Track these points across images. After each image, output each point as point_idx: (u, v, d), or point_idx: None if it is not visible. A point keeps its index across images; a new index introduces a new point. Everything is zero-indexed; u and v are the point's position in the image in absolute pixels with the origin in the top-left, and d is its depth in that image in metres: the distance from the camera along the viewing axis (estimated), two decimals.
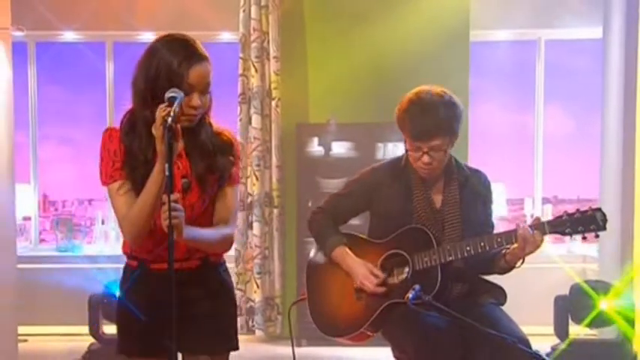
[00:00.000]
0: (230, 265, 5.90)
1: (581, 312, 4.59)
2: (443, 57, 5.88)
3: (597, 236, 2.78)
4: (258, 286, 5.90)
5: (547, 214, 6.40)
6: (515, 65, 6.68)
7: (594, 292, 4.55)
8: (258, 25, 5.87)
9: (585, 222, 2.71)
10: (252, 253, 5.92)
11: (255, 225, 5.90)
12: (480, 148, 6.23)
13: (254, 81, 5.89)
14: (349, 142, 5.78)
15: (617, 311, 4.51)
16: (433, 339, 2.67)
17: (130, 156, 2.32)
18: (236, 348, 2.55)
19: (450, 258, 2.81)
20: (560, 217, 2.76)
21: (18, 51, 6.30)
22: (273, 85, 5.88)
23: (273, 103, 5.89)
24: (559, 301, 4.77)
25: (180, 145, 2.19)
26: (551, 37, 6.36)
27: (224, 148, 2.40)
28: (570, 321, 4.70)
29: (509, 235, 2.76)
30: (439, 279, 2.80)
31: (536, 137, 6.39)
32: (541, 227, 2.74)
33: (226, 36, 6.26)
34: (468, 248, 2.80)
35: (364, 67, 5.87)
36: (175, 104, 2.13)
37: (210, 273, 2.48)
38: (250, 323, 5.94)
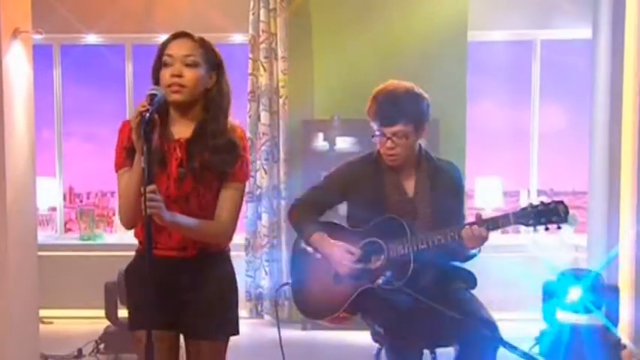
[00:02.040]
0: (240, 254, 6.06)
1: (565, 298, 4.58)
2: (442, 56, 5.89)
3: (559, 228, 2.76)
4: (266, 273, 5.95)
5: None
6: (511, 64, 6.66)
7: (576, 279, 4.55)
8: (266, 27, 5.91)
9: (548, 214, 2.71)
10: (261, 242, 5.98)
11: (264, 216, 5.96)
12: (478, 144, 6.24)
13: (263, 80, 5.93)
14: (352, 137, 5.78)
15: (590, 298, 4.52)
16: (403, 321, 2.70)
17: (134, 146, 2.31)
18: (235, 333, 2.54)
19: (423, 247, 2.84)
20: (525, 209, 2.77)
21: (44, 53, 6.42)
22: (280, 84, 5.92)
23: (281, 100, 5.93)
24: (546, 287, 4.77)
25: (155, 138, 2.20)
26: (546, 38, 6.34)
27: (227, 146, 2.38)
28: (557, 307, 4.70)
29: (479, 224, 2.78)
30: (412, 266, 2.83)
31: (531, 133, 6.37)
32: (484, 224, 2.76)
33: (237, 38, 6.30)
34: (439, 237, 2.82)
35: (367, 66, 5.87)
36: (155, 100, 2.16)
37: (209, 262, 2.45)
38: (259, 308, 6.01)
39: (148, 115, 2.11)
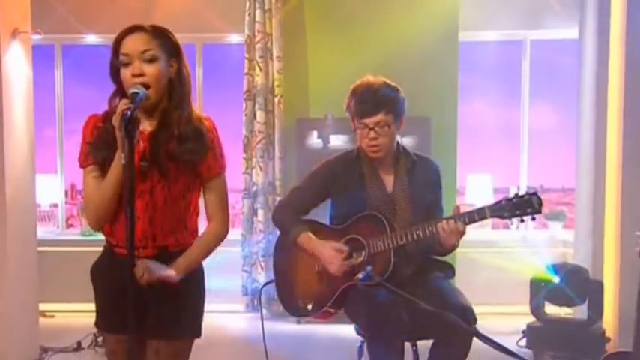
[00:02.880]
0: (236, 249, 6.06)
1: (551, 292, 4.60)
2: (434, 56, 5.88)
3: (534, 219, 2.79)
4: (262, 268, 5.97)
5: None
6: (502, 64, 6.65)
7: (562, 273, 4.56)
8: (262, 27, 5.91)
9: (522, 206, 2.72)
10: (257, 237, 6.00)
11: (260, 212, 5.97)
12: (469, 142, 6.25)
13: (258, 79, 5.93)
14: (346, 135, 5.74)
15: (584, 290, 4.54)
16: (384, 315, 2.71)
17: (99, 140, 2.25)
18: (196, 335, 2.39)
19: (402, 242, 2.85)
20: (500, 202, 2.77)
21: (45, 53, 6.44)
22: (275, 83, 5.93)
23: (276, 99, 5.94)
24: (534, 282, 4.78)
25: (137, 136, 2.12)
26: (535, 38, 6.34)
27: (194, 134, 2.26)
28: (545, 301, 4.72)
29: (458, 218, 2.79)
30: (392, 261, 2.84)
31: (521, 131, 6.37)
32: (460, 219, 2.77)
33: (233, 38, 6.30)
34: (418, 232, 2.83)
35: (360, 66, 5.71)
36: (137, 99, 2.09)
37: (170, 262, 2.27)
38: (255, 302, 6.03)
39: (129, 112, 2.03)
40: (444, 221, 2.78)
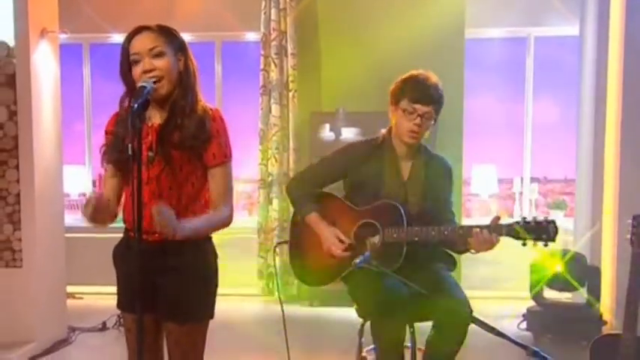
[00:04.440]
0: (253, 236, 6.09)
1: (552, 277, 4.58)
2: (441, 52, 5.82)
3: (546, 245, 2.64)
4: (277, 254, 5.97)
5: (534, 191, 6.37)
6: (506, 60, 6.60)
7: (562, 259, 4.54)
8: (277, 25, 5.92)
9: (538, 232, 2.63)
10: (272, 225, 6.02)
11: (275, 201, 5.99)
12: (475, 134, 6.21)
13: (273, 75, 5.94)
14: (357, 128, 5.78)
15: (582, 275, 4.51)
16: (389, 299, 2.69)
17: (110, 144, 2.30)
18: (207, 317, 2.38)
19: (416, 239, 2.82)
20: (518, 223, 2.68)
21: (74, 52, 6.50)
22: (290, 79, 5.94)
23: (290, 94, 5.95)
24: (533, 267, 4.76)
25: (144, 127, 2.13)
26: (539, 35, 6.28)
27: (198, 123, 2.26)
28: (544, 286, 4.70)
29: (470, 230, 2.73)
30: (404, 252, 2.82)
31: (525, 124, 6.33)
32: (497, 229, 2.67)
33: (250, 36, 6.32)
34: (432, 233, 2.79)
35: (370, 62, 5.85)
36: (145, 92, 2.09)
37: (179, 247, 2.25)
38: (270, 286, 6.06)
39: (135, 105, 2.03)
40: (478, 229, 2.70)
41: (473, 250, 2.78)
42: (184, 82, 2.28)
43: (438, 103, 2.91)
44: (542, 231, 2.63)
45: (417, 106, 2.88)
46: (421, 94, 2.88)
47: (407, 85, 2.94)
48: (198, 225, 2.25)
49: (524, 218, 2.69)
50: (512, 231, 2.66)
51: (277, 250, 3.81)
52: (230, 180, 2.37)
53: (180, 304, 2.31)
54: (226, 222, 2.35)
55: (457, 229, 2.80)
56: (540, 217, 2.68)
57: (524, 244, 2.67)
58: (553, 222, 2.65)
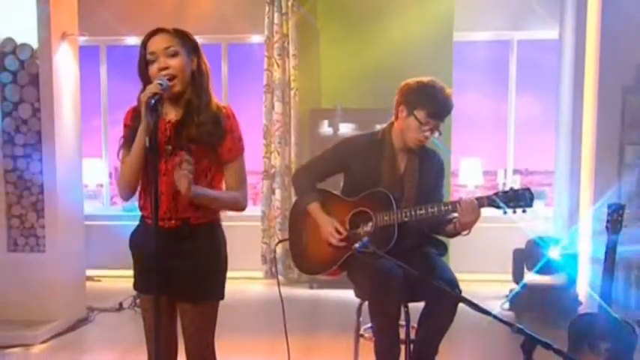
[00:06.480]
0: (257, 224, 6.10)
1: (533, 262, 4.61)
2: (432, 53, 5.84)
3: (524, 211, 2.68)
4: (278, 247, 6.00)
5: (516, 182, 6.39)
6: (492, 61, 6.62)
7: (543, 245, 4.57)
8: (279, 29, 5.93)
9: (516, 199, 2.66)
10: (275, 213, 6.05)
11: (277, 191, 6.02)
12: (462, 129, 6.22)
13: (276, 74, 5.95)
14: (353, 124, 5.80)
15: (561, 260, 4.54)
16: (385, 280, 2.70)
17: (128, 137, 2.27)
18: (218, 298, 2.38)
19: (406, 219, 2.81)
20: (496, 194, 2.71)
21: (92, 53, 6.49)
22: (292, 78, 5.95)
23: (292, 92, 5.96)
24: (516, 253, 4.79)
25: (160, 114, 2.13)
26: (522, 38, 6.30)
27: (212, 119, 2.26)
28: (526, 269, 4.73)
29: (455, 204, 2.74)
30: (395, 234, 2.82)
31: (509, 120, 6.35)
32: (480, 201, 2.70)
33: (255, 38, 6.33)
34: (421, 212, 2.79)
35: (366, 62, 5.87)
36: (162, 88, 2.11)
37: (192, 233, 2.28)
38: (273, 270, 6.08)
39: (153, 100, 2.06)
40: (465, 198, 2.73)
41: (461, 229, 2.76)
42: (197, 81, 2.28)
43: (448, 115, 2.86)
44: (519, 197, 2.66)
45: (435, 120, 2.82)
46: (440, 109, 2.80)
47: (425, 94, 2.81)
48: (209, 193, 2.27)
49: (503, 189, 2.74)
50: (493, 201, 2.68)
51: (277, 250, 3.77)
52: (244, 171, 2.38)
53: (194, 285, 2.31)
54: (238, 205, 2.36)
55: (442, 206, 2.78)
56: (516, 186, 2.70)
57: (505, 213, 2.69)
58: (528, 189, 2.68)
